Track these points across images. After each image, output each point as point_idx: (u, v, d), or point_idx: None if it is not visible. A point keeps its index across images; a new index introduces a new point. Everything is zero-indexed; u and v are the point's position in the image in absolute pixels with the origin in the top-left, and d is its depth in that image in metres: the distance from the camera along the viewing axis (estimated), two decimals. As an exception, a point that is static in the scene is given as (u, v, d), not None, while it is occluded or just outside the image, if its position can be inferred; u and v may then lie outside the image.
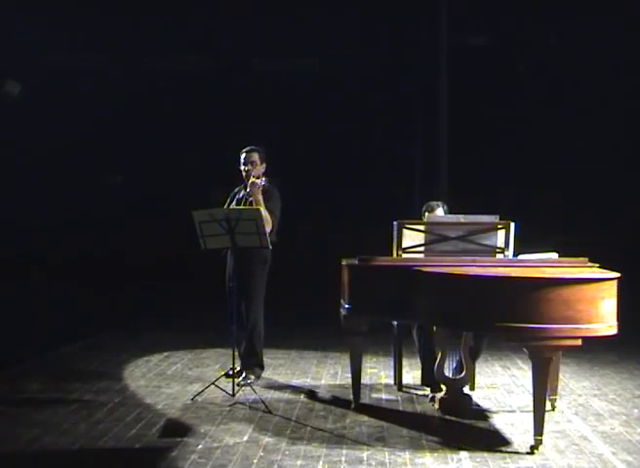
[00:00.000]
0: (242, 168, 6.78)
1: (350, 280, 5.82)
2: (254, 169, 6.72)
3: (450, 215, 6.43)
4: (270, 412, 5.78)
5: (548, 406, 5.67)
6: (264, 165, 6.83)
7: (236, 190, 6.95)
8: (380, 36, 14.57)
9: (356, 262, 5.82)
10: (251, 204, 6.60)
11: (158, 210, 14.50)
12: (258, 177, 6.69)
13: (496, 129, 14.47)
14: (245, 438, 5.21)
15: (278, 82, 14.86)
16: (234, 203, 6.81)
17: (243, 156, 6.81)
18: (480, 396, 6.35)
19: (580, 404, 6.20)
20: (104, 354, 7.98)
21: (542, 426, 5.02)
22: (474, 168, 14.01)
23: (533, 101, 14.40)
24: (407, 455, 4.91)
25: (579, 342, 4.96)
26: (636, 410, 6.02)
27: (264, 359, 6.87)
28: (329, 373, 7.20)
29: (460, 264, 5.59)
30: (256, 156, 6.77)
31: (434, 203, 6.63)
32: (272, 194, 6.75)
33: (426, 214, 6.51)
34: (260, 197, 6.58)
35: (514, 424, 5.62)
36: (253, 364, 6.75)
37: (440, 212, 6.55)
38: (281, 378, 6.96)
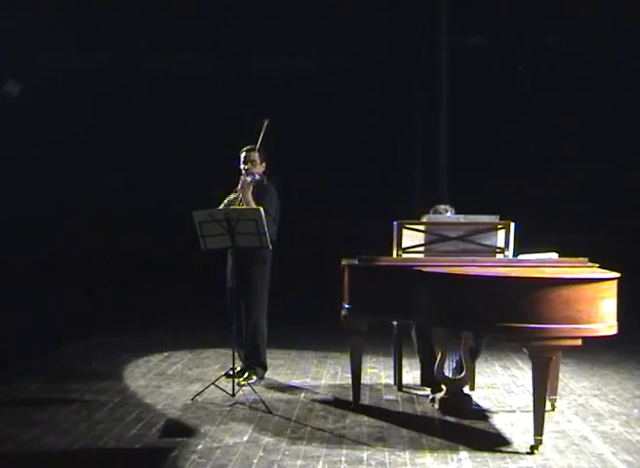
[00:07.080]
0: (242, 166, 6.74)
1: (350, 280, 5.81)
2: (253, 168, 6.68)
3: (450, 215, 6.40)
4: (270, 412, 5.78)
5: (548, 406, 5.67)
6: (264, 164, 6.79)
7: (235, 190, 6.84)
8: (379, 35, 14.56)
9: (356, 262, 5.82)
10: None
11: (158, 210, 14.48)
12: (249, 175, 6.61)
13: (496, 128, 14.46)
14: (245, 438, 5.21)
15: (278, 82, 14.85)
16: (226, 203, 6.72)
17: (243, 155, 6.77)
18: (480, 396, 6.35)
19: (580, 404, 6.20)
20: (104, 354, 7.97)
21: (542, 426, 5.02)
22: (474, 168, 14.00)
23: (533, 101, 14.40)
24: (407, 455, 4.91)
25: (579, 342, 4.96)
26: (636, 410, 6.02)
27: (265, 359, 6.87)
28: (329, 373, 7.20)
29: (460, 264, 5.59)
30: (255, 155, 6.70)
31: (442, 207, 6.47)
32: (268, 192, 6.66)
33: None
34: (250, 196, 6.51)
35: (514, 424, 5.62)
36: (255, 364, 6.73)
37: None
38: (281, 378, 6.96)
